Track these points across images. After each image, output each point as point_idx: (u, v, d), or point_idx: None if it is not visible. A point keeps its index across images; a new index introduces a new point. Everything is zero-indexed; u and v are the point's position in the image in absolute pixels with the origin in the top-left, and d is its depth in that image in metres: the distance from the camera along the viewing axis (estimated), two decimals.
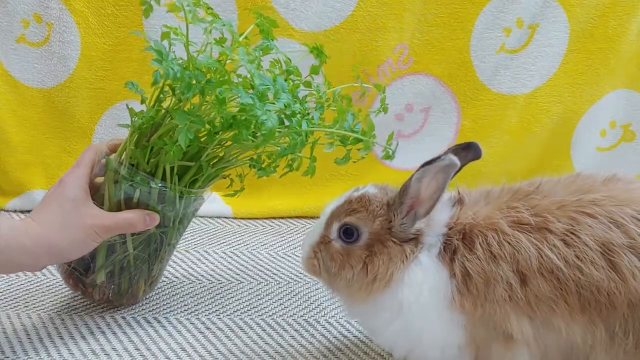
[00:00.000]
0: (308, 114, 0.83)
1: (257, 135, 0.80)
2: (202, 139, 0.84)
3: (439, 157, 0.68)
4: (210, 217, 1.39)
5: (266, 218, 1.41)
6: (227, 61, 0.82)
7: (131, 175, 0.83)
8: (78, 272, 0.90)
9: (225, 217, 1.40)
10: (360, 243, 0.72)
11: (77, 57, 1.36)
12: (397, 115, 1.47)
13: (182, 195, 0.87)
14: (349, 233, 0.72)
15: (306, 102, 0.87)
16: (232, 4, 1.36)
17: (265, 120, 0.74)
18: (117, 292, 0.93)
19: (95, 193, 0.86)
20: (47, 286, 1.03)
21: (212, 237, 1.28)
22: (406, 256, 0.71)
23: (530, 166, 1.51)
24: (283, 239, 1.28)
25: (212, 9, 0.84)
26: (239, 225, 1.36)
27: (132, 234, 0.87)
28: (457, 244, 0.70)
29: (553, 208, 0.68)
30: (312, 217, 1.40)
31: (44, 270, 1.05)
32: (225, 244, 1.24)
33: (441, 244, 0.71)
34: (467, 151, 0.74)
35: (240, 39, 0.83)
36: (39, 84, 1.38)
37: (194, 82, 0.76)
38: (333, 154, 0.88)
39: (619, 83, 1.47)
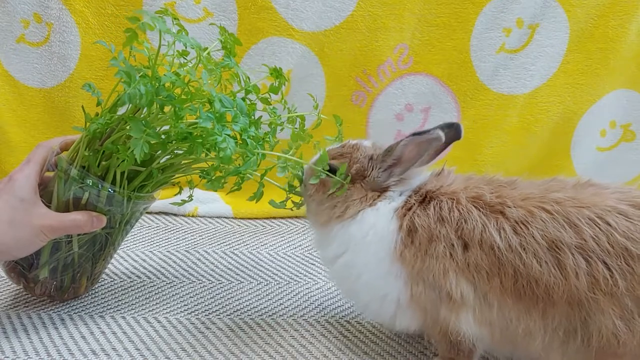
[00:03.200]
0: (265, 135, 0.87)
1: (210, 151, 0.83)
2: (154, 146, 0.84)
3: (428, 131, 0.75)
4: (210, 217, 1.39)
5: (266, 218, 1.41)
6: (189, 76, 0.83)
7: (81, 178, 0.84)
8: (21, 267, 0.91)
9: (225, 217, 1.40)
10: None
11: (77, 57, 1.36)
12: (397, 115, 1.47)
13: (131, 199, 0.88)
14: (330, 171, 0.82)
15: (261, 123, 0.89)
16: (232, 3, 1.36)
17: (224, 147, 0.76)
18: (59, 288, 0.94)
19: (44, 189, 0.87)
20: None
21: (212, 237, 1.28)
22: (366, 199, 0.80)
23: (530, 166, 1.51)
24: (283, 239, 1.28)
25: (179, 19, 0.84)
26: (239, 225, 1.36)
27: (78, 234, 0.88)
28: (414, 204, 0.77)
29: (517, 198, 0.72)
30: None
31: None
32: (225, 244, 1.24)
33: (402, 201, 0.78)
34: (450, 130, 0.79)
35: (205, 54, 0.84)
36: (39, 84, 1.39)
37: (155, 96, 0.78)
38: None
39: (619, 83, 1.47)
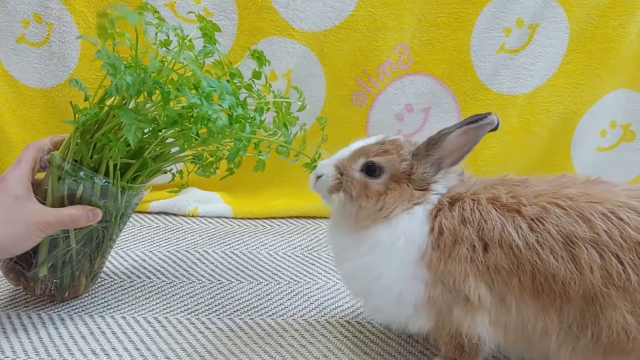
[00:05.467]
0: (252, 117, 0.86)
1: (201, 132, 0.83)
2: (145, 136, 0.85)
3: (483, 117, 0.75)
4: (210, 217, 1.39)
5: (266, 218, 1.41)
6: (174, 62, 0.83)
7: (75, 171, 0.85)
8: (20, 267, 0.91)
9: (225, 217, 1.40)
10: (379, 180, 0.78)
11: (77, 57, 1.36)
12: (397, 115, 1.47)
13: (124, 191, 0.89)
14: (371, 170, 0.79)
15: (246, 103, 0.89)
16: (232, 3, 1.36)
17: (216, 119, 0.77)
18: (59, 286, 0.94)
19: (38, 188, 0.88)
20: None
21: (212, 237, 1.28)
22: (414, 198, 0.77)
23: (530, 166, 1.51)
24: (283, 239, 1.28)
25: (158, 12, 0.84)
26: (239, 225, 1.36)
27: (75, 229, 0.88)
28: (444, 205, 0.76)
29: (530, 195, 0.73)
30: (312, 217, 1.40)
31: None
32: (225, 244, 1.24)
33: (437, 202, 0.77)
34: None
35: (187, 39, 0.85)
36: (39, 84, 1.38)
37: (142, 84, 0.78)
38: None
39: (619, 83, 1.47)
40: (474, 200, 0.75)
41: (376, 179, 0.79)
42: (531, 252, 0.69)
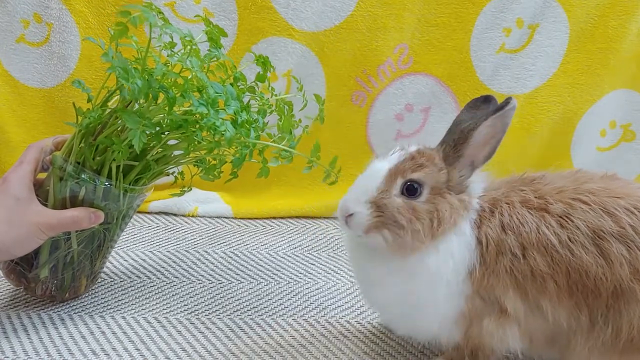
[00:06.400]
0: (255, 120, 0.86)
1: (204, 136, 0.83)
2: (148, 138, 0.85)
3: (505, 103, 0.71)
4: (210, 217, 1.39)
5: (266, 218, 1.41)
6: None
7: (77, 173, 0.85)
8: (21, 267, 0.90)
9: (225, 217, 1.40)
10: (422, 198, 0.72)
11: (77, 57, 1.36)
12: (397, 115, 1.47)
13: (127, 193, 0.89)
14: (411, 189, 0.72)
15: (250, 107, 0.89)
16: (232, 3, 1.36)
17: (224, 131, 0.77)
18: (60, 287, 0.94)
19: (39, 189, 0.88)
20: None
21: (212, 237, 1.28)
22: (465, 205, 0.73)
23: (530, 166, 1.49)
24: (283, 239, 1.28)
25: (163, 13, 0.85)
26: (239, 225, 1.36)
27: (77, 231, 0.88)
28: (486, 211, 0.74)
29: (553, 192, 0.72)
30: (312, 217, 1.40)
31: None
32: (225, 244, 1.24)
33: (478, 211, 0.74)
34: (489, 104, 0.75)
35: (193, 44, 0.85)
36: (39, 84, 1.39)
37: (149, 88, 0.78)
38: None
39: (619, 83, 1.47)
40: (508, 204, 0.73)
41: (418, 198, 0.72)
42: (564, 249, 0.69)
